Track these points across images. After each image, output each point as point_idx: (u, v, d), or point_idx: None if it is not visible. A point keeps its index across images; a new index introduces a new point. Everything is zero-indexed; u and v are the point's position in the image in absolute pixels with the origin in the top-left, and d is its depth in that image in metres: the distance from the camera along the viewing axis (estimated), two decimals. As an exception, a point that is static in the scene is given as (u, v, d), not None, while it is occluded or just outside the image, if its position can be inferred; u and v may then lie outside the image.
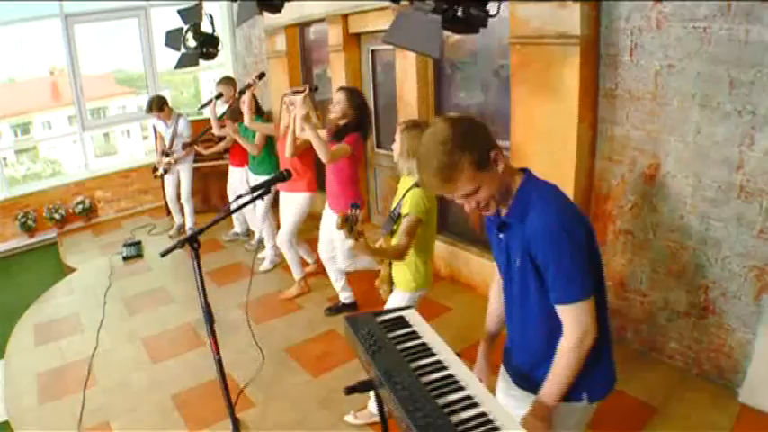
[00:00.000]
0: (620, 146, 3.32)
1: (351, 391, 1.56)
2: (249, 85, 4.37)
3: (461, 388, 1.44)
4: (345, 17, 4.85)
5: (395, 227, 2.71)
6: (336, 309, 4.26)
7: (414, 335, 1.72)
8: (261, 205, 4.89)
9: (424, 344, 1.67)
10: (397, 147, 2.79)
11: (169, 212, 6.41)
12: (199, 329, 4.22)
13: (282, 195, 4.43)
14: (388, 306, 2.86)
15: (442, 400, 1.39)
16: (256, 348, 3.65)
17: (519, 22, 3.39)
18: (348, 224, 2.22)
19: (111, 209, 7.01)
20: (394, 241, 2.70)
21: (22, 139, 11.37)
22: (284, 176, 2.59)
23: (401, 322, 1.81)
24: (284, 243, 4.39)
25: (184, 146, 5.51)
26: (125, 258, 5.63)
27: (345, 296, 4.24)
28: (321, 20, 5.26)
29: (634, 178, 3.32)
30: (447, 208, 4.72)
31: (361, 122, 3.62)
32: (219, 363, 2.62)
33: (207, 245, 5.77)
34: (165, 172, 5.69)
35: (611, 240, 3.54)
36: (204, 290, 2.51)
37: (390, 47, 4.66)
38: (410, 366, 1.53)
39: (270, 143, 4.79)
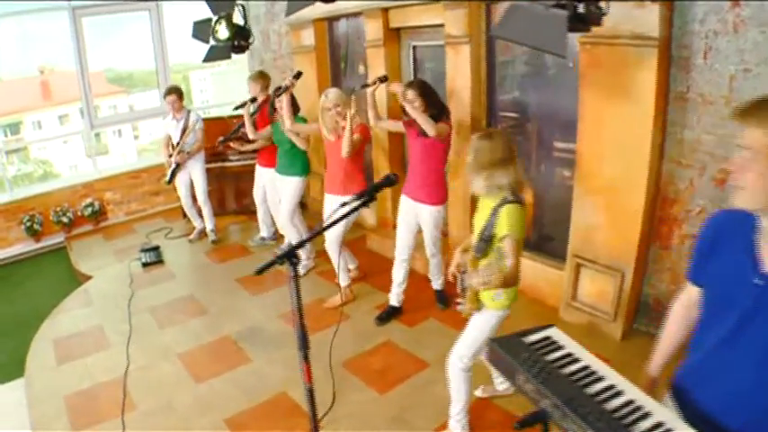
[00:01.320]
0: (690, 149, 3.23)
1: (523, 425, 1.49)
2: (286, 87, 4.10)
3: (647, 414, 1.37)
4: (386, 11, 4.59)
5: (488, 248, 2.47)
6: (387, 315, 4.06)
7: (571, 357, 1.61)
8: (285, 210, 4.72)
9: (586, 366, 1.56)
10: (470, 159, 2.51)
11: (185, 215, 6.11)
12: (240, 343, 3.96)
13: (329, 199, 4.18)
14: (474, 325, 2.69)
15: (636, 429, 1.33)
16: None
17: (591, 21, 3.22)
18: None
19: (120, 211, 6.63)
20: (484, 262, 2.47)
21: (12, 138, 10.85)
22: (392, 180, 2.33)
23: (551, 343, 1.67)
24: (333, 248, 4.15)
25: (223, 142, 5.16)
26: (144, 264, 5.29)
27: (396, 300, 4.09)
28: (356, 14, 5.01)
29: (703, 183, 3.23)
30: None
31: (443, 108, 3.63)
32: (311, 393, 2.35)
33: (233, 250, 5.53)
34: (178, 166, 5.37)
35: (676, 244, 3.44)
36: (302, 312, 2.23)
37: (436, 42, 4.47)
38: (585, 393, 1.44)
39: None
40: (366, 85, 3.82)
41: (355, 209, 2.23)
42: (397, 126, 3.88)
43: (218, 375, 3.61)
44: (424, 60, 4.73)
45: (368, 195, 2.25)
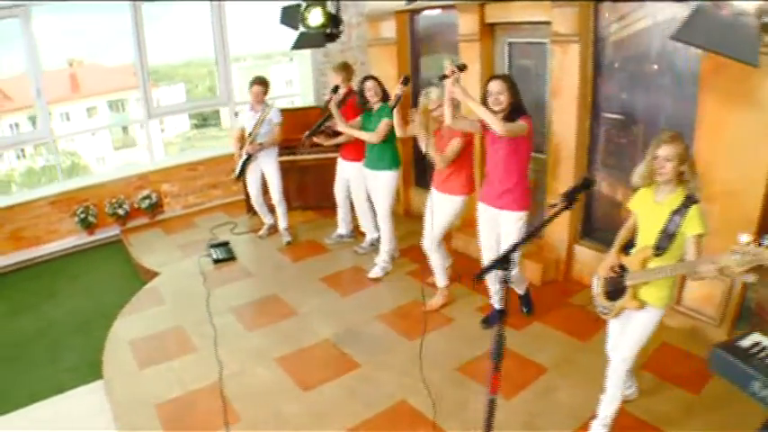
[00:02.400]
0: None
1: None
2: (398, 98, 3.81)
3: None
4: (482, 6, 4.43)
5: (671, 245, 2.40)
6: (492, 319, 3.85)
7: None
8: (384, 205, 4.51)
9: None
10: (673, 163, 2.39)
11: (250, 210, 5.91)
12: (342, 347, 3.73)
13: (434, 195, 3.97)
14: (638, 324, 2.58)
15: None
16: (419, 368, 3.34)
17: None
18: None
19: (177, 204, 6.36)
20: (665, 262, 2.42)
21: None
22: (589, 183, 2.18)
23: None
24: (433, 247, 3.96)
25: (309, 137, 4.88)
26: (216, 261, 5.05)
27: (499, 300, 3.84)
28: (444, 7, 4.84)
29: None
30: (590, 214, 4.43)
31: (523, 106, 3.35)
32: (492, 404, 2.21)
33: (309, 248, 5.32)
34: (249, 158, 5.13)
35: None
36: (504, 317, 2.07)
37: (534, 39, 4.33)
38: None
39: (391, 137, 4.35)
40: (444, 77, 3.25)
41: (561, 211, 2.10)
42: (474, 126, 3.49)
43: (326, 382, 3.39)
44: (519, 57, 4.56)
45: (567, 199, 2.15)
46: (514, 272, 3.66)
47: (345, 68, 4.73)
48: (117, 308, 4.63)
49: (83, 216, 5.79)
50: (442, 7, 4.92)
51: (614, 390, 2.70)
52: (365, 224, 5.08)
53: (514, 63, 4.54)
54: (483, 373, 3.34)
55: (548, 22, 4.05)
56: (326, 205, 5.76)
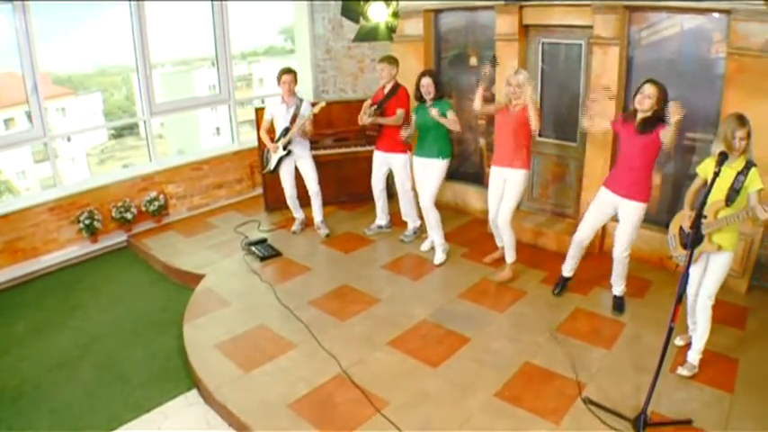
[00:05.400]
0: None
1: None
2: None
3: None
4: (521, 8, 4.90)
5: (737, 198, 3.08)
6: (562, 285, 4.34)
7: None
8: (429, 193, 4.76)
9: None
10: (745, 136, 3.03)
11: (268, 207, 5.87)
12: (445, 325, 3.96)
13: (496, 171, 4.38)
14: (717, 266, 3.22)
15: None
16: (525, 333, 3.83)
17: (739, 37, 3.90)
18: None
19: (183, 206, 6.04)
20: (730, 212, 3.08)
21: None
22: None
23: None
24: (507, 225, 4.36)
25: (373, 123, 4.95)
26: (262, 258, 4.98)
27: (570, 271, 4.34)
28: (473, 8, 5.24)
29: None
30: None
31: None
32: (671, 330, 2.76)
33: (351, 239, 5.44)
34: (288, 153, 5.13)
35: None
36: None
37: (568, 41, 4.89)
38: None
39: (447, 129, 4.63)
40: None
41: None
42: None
43: (449, 357, 3.62)
44: (552, 57, 5.11)
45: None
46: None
47: (396, 61, 4.89)
48: (161, 313, 4.52)
49: (88, 222, 5.33)
50: (467, 9, 5.35)
51: (705, 323, 3.32)
52: (408, 213, 5.29)
53: (547, 61, 5.08)
54: (578, 332, 3.87)
55: (584, 26, 4.62)
56: (345, 199, 5.99)
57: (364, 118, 4.86)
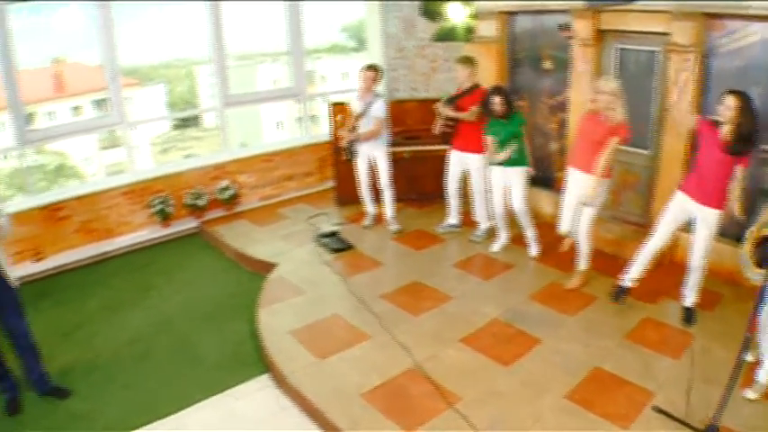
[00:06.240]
0: None
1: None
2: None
3: None
4: (598, 13, 4.88)
5: None
6: (622, 293, 4.25)
7: None
8: (519, 196, 4.81)
9: None
10: None
11: (339, 200, 6.01)
12: (517, 325, 3.99)
13: (573, 174, 4.31)
14: None
15: None
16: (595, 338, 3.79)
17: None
18: None
19: (254, 196, 6.23)
20: None
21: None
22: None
23: None
24: (587, 233, 4.34)
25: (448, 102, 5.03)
26: (335, 251, 5.10)
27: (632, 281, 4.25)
28: (549, 11, 5.27)
29: None
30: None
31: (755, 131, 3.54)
32: (747, 340, 2.72)
33: (422, 237, 5.49)
34: (351, 151, 5.25)
35: None
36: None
37: (644, 47, 4.85)
38: None
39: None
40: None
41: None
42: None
43: (520, 357, 3.63)
44: (628, 62, 5.08)
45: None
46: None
47: (473, 61, 4.95)
48: (232, 299, 4.66)
49: (161, 207, 5.56)
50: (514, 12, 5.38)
51: None
52: (480, 213, 5.33)
53: (623, 67, 5.05)
54: (647, 340, 3.82)
55: (661, 33, 4.58)
56: (414, 197, 6.03)
57: (439, 116, 4.96)
